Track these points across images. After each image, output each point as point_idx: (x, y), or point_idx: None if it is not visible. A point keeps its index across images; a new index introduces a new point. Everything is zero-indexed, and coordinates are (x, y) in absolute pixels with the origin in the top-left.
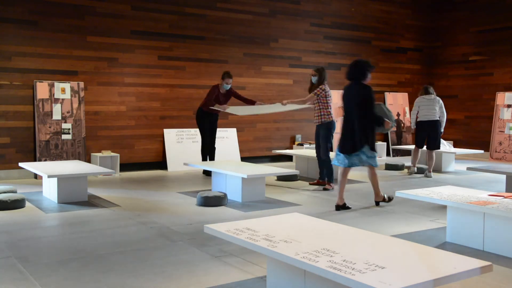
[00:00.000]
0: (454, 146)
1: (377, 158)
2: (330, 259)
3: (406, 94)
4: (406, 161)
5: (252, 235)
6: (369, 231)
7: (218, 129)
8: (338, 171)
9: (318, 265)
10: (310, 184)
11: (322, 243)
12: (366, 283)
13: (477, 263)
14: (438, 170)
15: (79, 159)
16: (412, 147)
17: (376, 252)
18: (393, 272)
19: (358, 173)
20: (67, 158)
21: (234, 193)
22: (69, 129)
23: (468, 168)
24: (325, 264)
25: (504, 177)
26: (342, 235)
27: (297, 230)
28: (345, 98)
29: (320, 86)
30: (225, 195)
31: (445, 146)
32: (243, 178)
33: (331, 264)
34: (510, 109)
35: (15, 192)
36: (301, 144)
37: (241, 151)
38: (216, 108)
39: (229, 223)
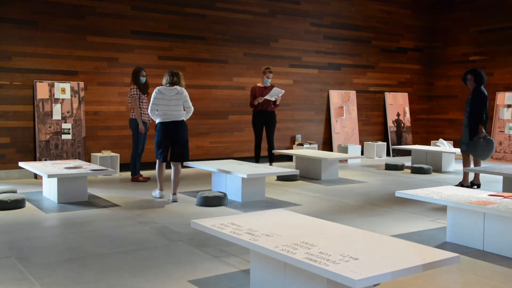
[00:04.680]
0: (454, 146)
1: (377, 158)
2: (307, 251)
3: (406, 94)
4: (406, 161)
5: (236, 229)
6: (369, 231)
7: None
8: None
9: (295, 257)
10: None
11: (302, 237)
12: (339, 272)
13: (445, 254)
14: (438, 170)
15: (79, 159)
16: (414, 147)
17: (352, 245)
18: (366, 263)
19: (358, 172)
20: (67, 158)
21: (234, 193)
22: (69, 129)
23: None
24: (302, 256)
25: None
26: (322, 230)
27: (280, 225)
28: None
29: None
30: (225, 195)
31: (445, 146)
32: (243, 178)
33: (308, 256)
34: (510, 109)
35: (15, 192)
36: (301, 144)
37: (241, 151)
38: (259, 101)
39: (215, 218)
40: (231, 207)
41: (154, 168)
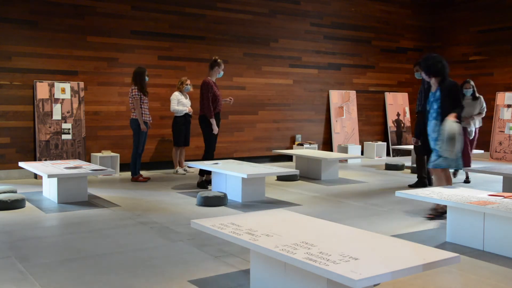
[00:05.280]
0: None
1: (377, 158)
2: (307, 251)
3: (406, 94)
4: (406, 161)
5: (236, 229)
6: (369, 231)
7: None
8: None
9: (295, 257)
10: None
11: (302, 237)
12: (339, 272)
13: (445, 254)
14: None
15: (79, 159)
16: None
17: (352, 245)
18: (366, 263)
19: (358, 172)
20: (67, 158)
21: (234, 193)
22: (69, 129)
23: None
24: (302, 256)
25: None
26: (322, 230)
27: (280, 225)
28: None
29: None
30: (225, 195)
31: None
32: (243, 178)
33: (308, 256)
34: (510, 109)
35: (15, 192)
36: (301, 144)
37: (241, 151)
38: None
39: (215, 218)
40: (231, 207)
41: (156, 168)
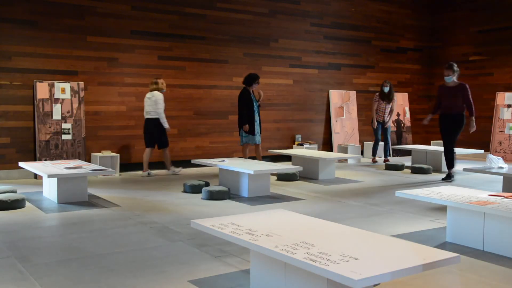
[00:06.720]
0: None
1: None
2: (307, 251)
3: (406, 94)
4: (406, 161)
5: (236, 229)
6: (369, 231)
7: None
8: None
9: (295, 257)
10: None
11: (302, 237)
12: (339, 272)
13: (445, 254)
14: (438, 170)
15: (79, 159)
16: (414, 147)
17: (352, 245)
18: (366, 263)
19: (358, 172)
20: (67, 158)
21: (241, 188)
22: (69, 129)
23: (465, 169)
24: (302, 255)
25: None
26: (322, 230)
27: (280, 225)
28: None
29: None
30: (228, 189)
31: (494, 163)
32: (249, 174)
33: (308, 256)
34: (510, 109)
35: (15, 192)
36: (301, 144)
37: (241, 151)
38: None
39: (215, 218)
40: (234, 207)
41: (155, 168)
